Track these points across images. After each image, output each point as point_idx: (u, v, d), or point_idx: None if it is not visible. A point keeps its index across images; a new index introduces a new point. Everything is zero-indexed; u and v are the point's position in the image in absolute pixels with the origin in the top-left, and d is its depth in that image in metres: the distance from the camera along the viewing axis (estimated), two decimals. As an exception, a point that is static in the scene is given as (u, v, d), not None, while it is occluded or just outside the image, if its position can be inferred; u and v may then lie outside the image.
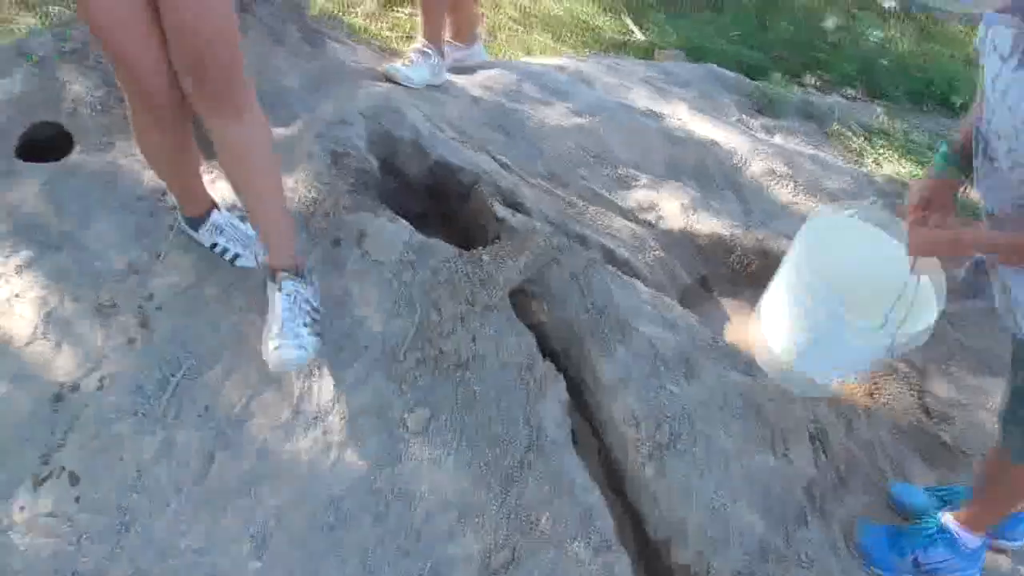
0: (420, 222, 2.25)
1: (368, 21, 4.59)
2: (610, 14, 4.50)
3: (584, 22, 4.42)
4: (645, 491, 1.67)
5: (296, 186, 2.07)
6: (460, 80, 2.77)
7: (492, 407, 1.69)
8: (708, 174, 2.77)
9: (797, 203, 2.74)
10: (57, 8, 4.47)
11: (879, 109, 3.28)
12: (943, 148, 1.49)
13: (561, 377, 1.76)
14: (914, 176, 2.93)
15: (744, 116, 3.14)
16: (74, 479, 1.67)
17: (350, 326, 1.83)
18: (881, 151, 2.99)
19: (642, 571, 1.69)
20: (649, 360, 1.80)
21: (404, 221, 2.00)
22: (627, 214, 2.52)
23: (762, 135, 3.01)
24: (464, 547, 1.56)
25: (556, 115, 2.78)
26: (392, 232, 1.95)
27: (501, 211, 2.03)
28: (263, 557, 1.56)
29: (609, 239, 2.31)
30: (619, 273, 2.04)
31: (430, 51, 2.62)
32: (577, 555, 1.56)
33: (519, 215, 2.05)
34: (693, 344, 1.92)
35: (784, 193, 2.76)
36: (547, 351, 1.90)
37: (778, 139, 3.03)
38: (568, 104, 2.86)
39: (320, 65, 2.37)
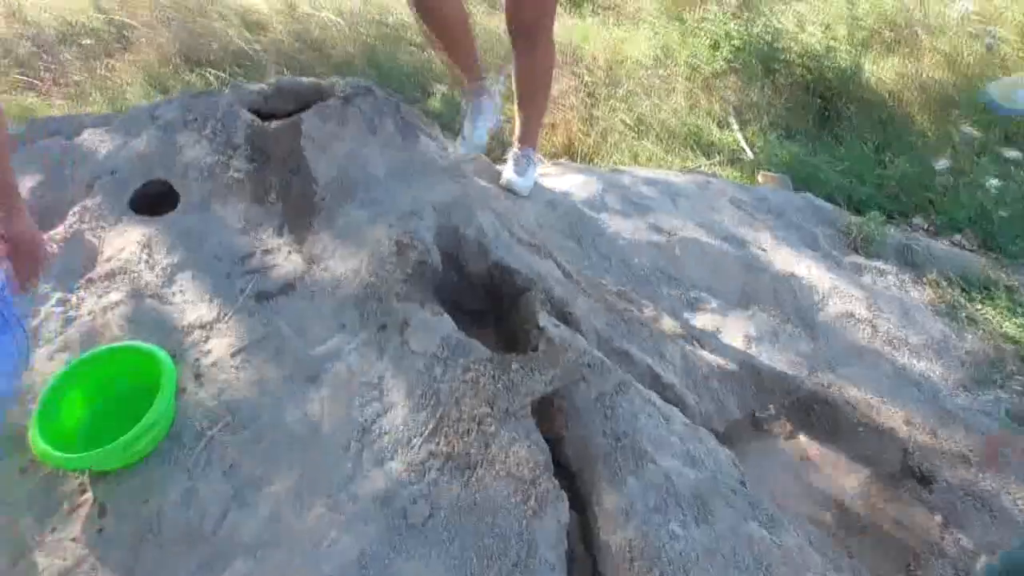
0: (475, 319, 2.36)
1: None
2: (725, 130, 4.57)
3: (696, 135, 4.51)
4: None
5: (359, 268, 2.23)
6: (543, 182, 2.91)
7: (489, 516, 1.74)
8: (782, 307, 2.75)
9: (873, 352, 2.67)
10: (213, 73, 5.00)
11: (987, 262, 3.16)
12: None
13: (564, 497, 1.79)
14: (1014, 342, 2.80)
15: (835, 252, 3.10)
16: (102, 511, 1.84)
17: (377, 411, 1.94)
18: (979, 308, 2.88)
19: None
20: (660, 495, 1.80)
21: (447, 317, 2.11)
22: (687, 338, 2.54)
23: (850, 274, 2.96)
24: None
25: (634, 228, 2.86)
26: (433, 326, 2.06)
27: (543, 320, 2.10)
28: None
29: (658, 360, 2.34)
30: (652, 399, 2.06)
31: (531, 155, 2.85)
32: None
33: (561, 327, 2.12)
34: (715, 485, 1.91)
35: (860, 339, 2.69)
36: (564, 467, 1.94)
37: (866, 280, 2.97)
38: (649, 219, 2.93)
39: (408, 157, 2.56)
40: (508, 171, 2.86)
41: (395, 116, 2.65)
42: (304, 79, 2.87)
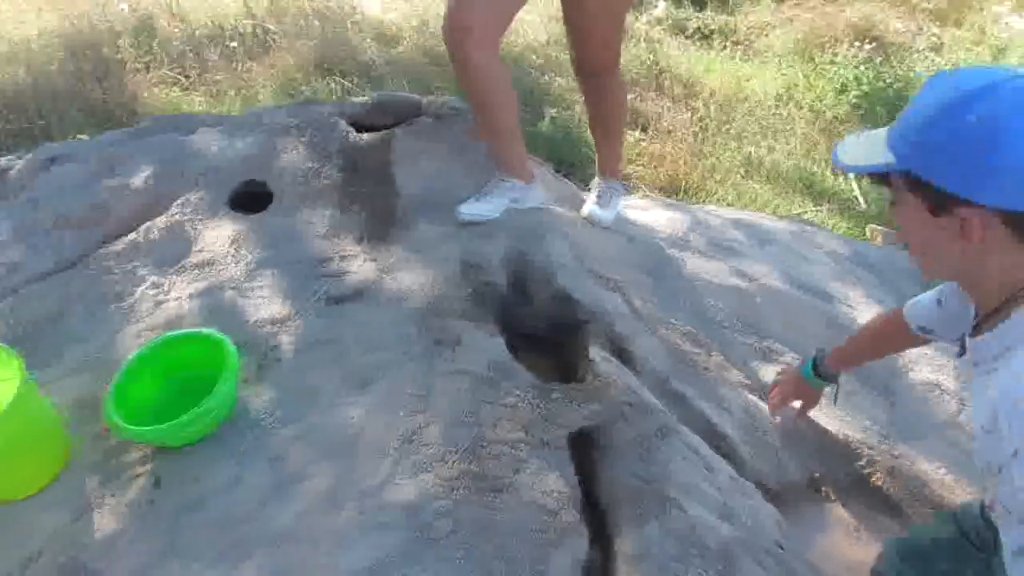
0: (535, 345, 2.40)
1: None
2: (840, 178, 4.42)
3: (808, 180, 4.38)
4: None
5: (425, 283, 2.31)
6: (627, 215, 2.91)
7: (507, 540, 1.76)
8: (861, 370, 2.64)
9: (955, 427, 2.52)
10: (341, 82, 5.26)
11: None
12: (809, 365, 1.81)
13: (585, 534, 1.79)
14: None
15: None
16: (157, 483, 1.99)
17: (419, 423, 2.01)
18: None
19: None
20: (682, 544, 1.78)
21: (500, 340, 2.16)
22: (753, 389, 2.48)
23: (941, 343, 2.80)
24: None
25: (715, 271, 2.82)
26: (485, 347, 2.12)
27: (594, 353, 2.11)
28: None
29: (715, 409, 2.30)
30: (697, 448, 2.03)
31: (616, 187, 2.84)
32: None
33: (613, 362, 2.13)
34: (747, 543, 1.86)
35: (942, 412, 2.55)
36: (595, 502, 1.94)
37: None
38: (732, 262, 2.88)
39: (491, 179, 2.63)
40: (591, 203, 2.81)
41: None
42: (401, 95, 3.00)
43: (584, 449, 1.99)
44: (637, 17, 6.74)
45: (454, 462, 1.92)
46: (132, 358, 2.13)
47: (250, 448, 2.03)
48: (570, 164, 4.60)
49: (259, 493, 1.94)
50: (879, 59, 5.37)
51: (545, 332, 2.38)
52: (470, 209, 2.49)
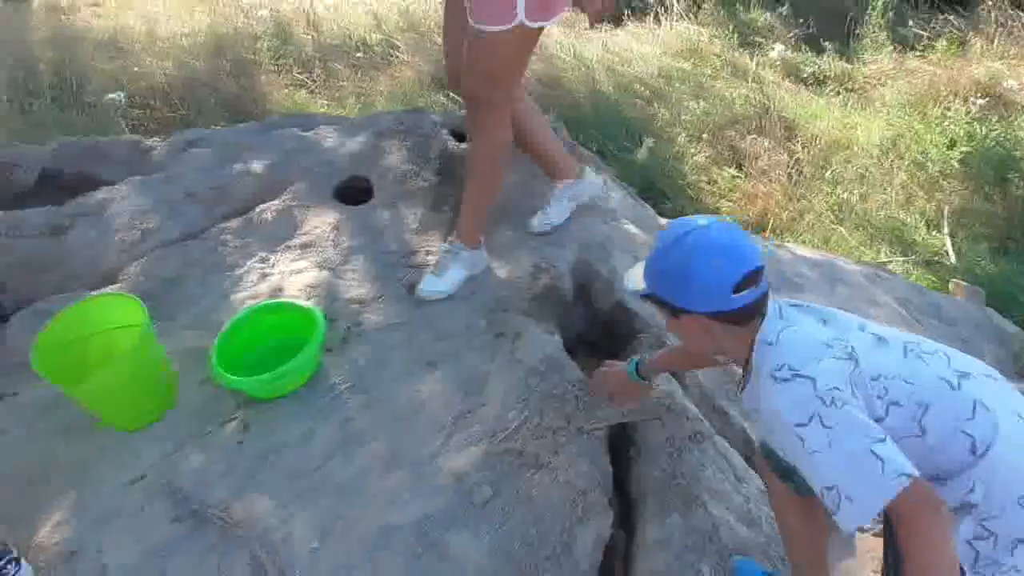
0: (594, 351, 2.61)
1: (697, 174, 5.08)
2: (934, 231, 4.44)
3: (899, 231, 4.42)
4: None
5: (496, 281, 2.57)
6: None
7: (541, 512, 1.98)
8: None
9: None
10: (453, 98, 5.62)
11: None
12: (633, 365, 2.09)
13: (610, 515, 1.98)
14: None
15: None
16: (245, 429, 2.30)
17: (475, 404, 2.26)
18: None
19: None
20: (700, 538, 1.95)
21: (557, 338, 2.39)
22: (798, 416, 2.60)
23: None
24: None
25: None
26: (541, 342, 2.35)
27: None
28: (316, 550, 2.01)
29: (754, 428, 2.44)
30: (730, 458, 2.19)
31: (459, 252, 2.60)
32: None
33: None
34: (764, 548, 2.01)
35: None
36: (625, 494, 2.13)
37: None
38: (798, 297, 3.01)
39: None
40: (424, 277, 2.60)
41: (571, 155, 2.98)
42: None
43: (623, 446, 2.19)
44: (752, 57, 6.88)
45: (501, 440, 2.16)
46: (236, 318, 2.47)
47: (326, 408, 2.32)
48: (662, 192, 4.79)
49: (328, 448, 2.23)
50: (995, 117, 5.33)
51: (602, 339, 2.59)
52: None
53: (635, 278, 1.57)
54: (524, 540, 1.96)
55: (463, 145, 3.08)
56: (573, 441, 2.10)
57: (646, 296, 1.55)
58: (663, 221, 3.28)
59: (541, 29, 2.29)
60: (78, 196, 3.11)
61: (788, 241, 4.22)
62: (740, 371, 1.55)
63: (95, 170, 3.35)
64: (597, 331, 2.62)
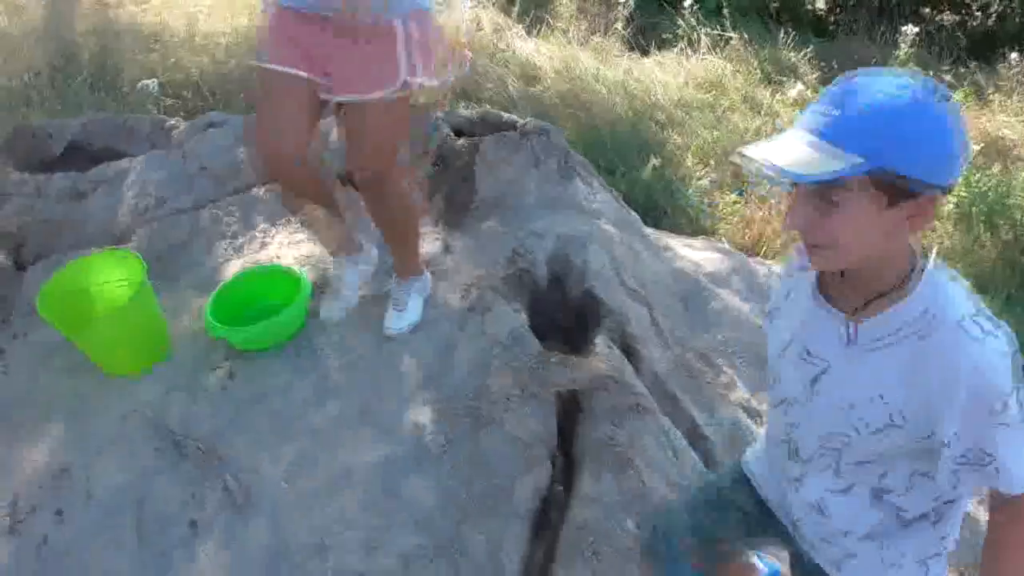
0: (567, 339, 2.82)
1: (700, 197, 5.31)
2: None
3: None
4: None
5: (476, 263, 2.81)
6: (675, 245, 3.32)
7: (487, 463, 2.20)
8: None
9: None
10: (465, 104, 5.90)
11: None
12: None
13: (549, 468, 2.20)
14: None
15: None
16: (231, 376, 2.55)
17: (441, 369, 2.49)
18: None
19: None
20: (630, 498, 2.15)
21: (523, 315, 2.62)
22: (750, 412, 2.80)
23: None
24: (400, 545, 2.08)
25: (747, 310, 3.17)
26: (507, 318, 2.58)
27: (599, 338, 2.54)
28: (284, 488, 2.24)
29: (706, 416, 2.64)
30: (672, 436, 2.40)
31: (412, 285, 2.69)
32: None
33: (613, 349, 2.54)
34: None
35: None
36: (569, 454, 2.35)
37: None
38: (766, 306, 3.22)
39: (559, 193, 3.12)
40: (388, 315, 2.65)
41: (560, 158, 3.24)
42: (505, 114, 3.55)
43: (574, 411, 2.41)
44: (773, 95, 7.12)
45: (460, 400, 2.39)
46: (231, 279, 2.73)
47: (306, 364, 2.57)
48: (663, 211, 5.02)
49: (305, 398, 2.47)
50: (996, 167, 5.52)
51: (570, 324, 2.81)
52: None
53: (792, 155, 1.04)
54: (470, 486, 2.18)
55: (461, 140, 3.35)
56: (525, 403, 2.33)
57: (827, 180, 1.03)
58: (647, 230, 3.51)
59: (421, 88, 2.18)
60: (100, 165, 3.42)
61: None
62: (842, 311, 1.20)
63: (119, 144, 3.66)
64: (569, 319, 2.85)
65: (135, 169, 3.36)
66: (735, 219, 5.04)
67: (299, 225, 3.05)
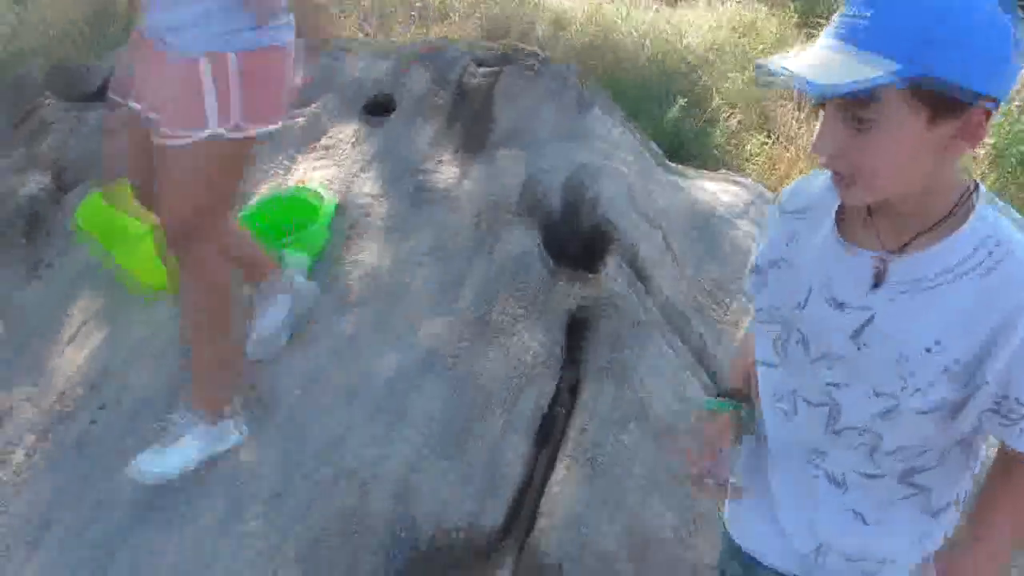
0: (579, 264, 2.92)
1: (726, 138, 5.32)
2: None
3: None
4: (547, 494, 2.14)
5: (492, 190, 2.91)
6: (692, 177, 3.38)
7: (495, 372, 2.32)
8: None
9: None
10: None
11: None
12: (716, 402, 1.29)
13: (552, 385, 2.32)
14: None
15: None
16: (255, 293, 2.69)
17: (456, 294, 2.60)
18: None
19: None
20: (630, 410, 2.26)
21: (534, 234, 2.72)
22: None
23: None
24: (408, 448, 2.21)
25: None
26: (519, 241, 2.69)
27: (610, 260, 2.63)
28: (306, 392, 2.38)
29: (713, 339, 2.72)
30: (677, 353, 2.49)
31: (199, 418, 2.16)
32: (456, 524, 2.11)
33: (623, 270, 2.62)
34: (691, 426, 2.31)
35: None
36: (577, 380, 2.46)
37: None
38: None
39: (575, 124, 3.19)
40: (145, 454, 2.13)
41: (579, 89, 3.30)
42: (528, 47, 3.61)
43: (580, 329, 2.52)
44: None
45: (472, 319, 2.50)
46: (259, 200, 2.87)
47: (329, 279, 2.70)
48: (689, 152, 5.04)
49: (326, 310, 2.60)
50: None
51: (582, 252, 2.90)
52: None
53: (820, 65, 0.88)
54: (478, 393, 2.30)
55: (482, 70, 3.42)
56: (533, 320, 2.44)
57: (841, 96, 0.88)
58: (665, 163, 3.56)
59: (250, 140, 1.89)
60: (136, 96, 3.56)
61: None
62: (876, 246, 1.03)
63: (154, 77, 3.80)
64: (581, 247, 2.94)
65: (168, 100, 3.49)
66: (762, 159, 5.05)
67: (324, 152, 3.16)
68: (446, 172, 3.05)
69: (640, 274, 2.74)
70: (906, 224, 0.99)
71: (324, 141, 3.20)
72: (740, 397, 1.28)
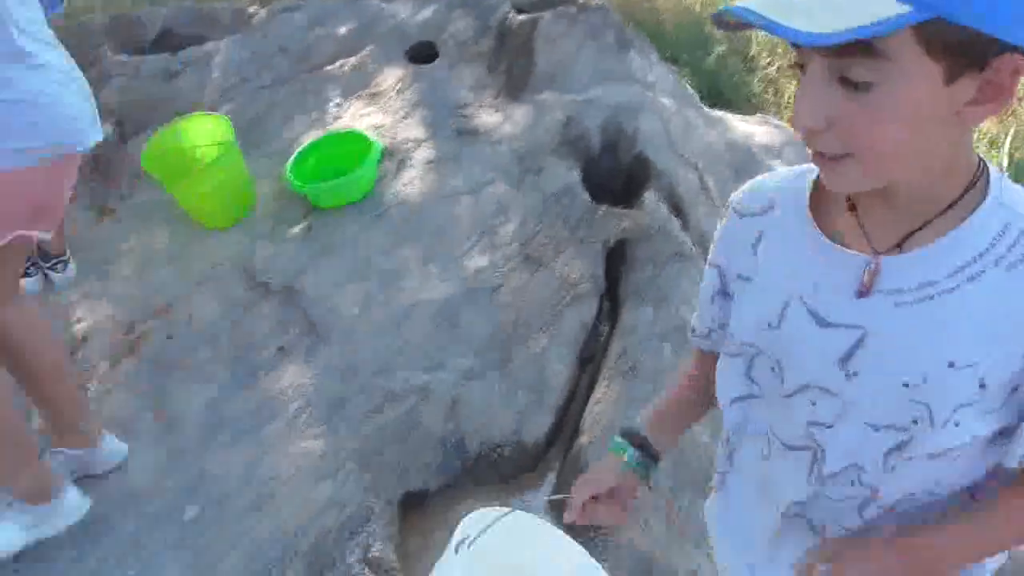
0: (618, 201, 3.03)
1: (764, 85, 5.35)
2: (994, 150, 4.61)
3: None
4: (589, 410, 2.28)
5: (534, 130, 3.02)
6: (729, 118, 3.46)
7: (538, 296, 2.46)
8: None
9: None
10: None
11: None
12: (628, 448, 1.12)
13: (594, 304, 2.45)
14: None
15: None
16: (310, 229, 2.85)
17: (500, 221, 2.74)
18: None
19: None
20: (667, 328, 2.38)
21: (575, 173, 2.84)
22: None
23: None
24: (457, 365, 2.36)
25: (797, 180, 3.30)
26: (560, 176, 2.81)
27: (648, 194, 2.74)
28: (361, 317, 2.54)
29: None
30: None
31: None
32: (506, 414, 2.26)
33: (661, 205, 2.73)
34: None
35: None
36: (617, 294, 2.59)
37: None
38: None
39: (614, 65, 3.28)
40: None
41: (618, 32, 3.38)
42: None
43: (619, 257, 2.64)
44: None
45: (517, 248, 2.64)
46: (310, 142, 3.02)
47: (378, 218, 2.85)
48: (727, 100, 5.09)
49: (377, 246, 2.76)
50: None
51: (621, 188, 3.01)
52: None
53: (812, 7, 0.63)
54: (520, 316, 2.44)
55: (522, 16, 3.52)
56: (573, 249, 2.56)
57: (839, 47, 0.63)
58: (702, 105, 3.64)
59: None
60: (188, 48, 3.72)
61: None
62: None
63: (204, 30, 3.95)
64: (620, 183, 3.05)
65: (220, 51, 3.65)
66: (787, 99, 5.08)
67: (369, 98, 3.30)
68: (488, 115, 3.17)
69: (677, 209, 2.85)
70: (903, 215, 0.79)
71: (371, 88, 3.33)
72: (651, 452, 1.11)
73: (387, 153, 3.03)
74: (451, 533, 1.28)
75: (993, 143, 4.75)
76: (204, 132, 2.97)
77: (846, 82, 0.68)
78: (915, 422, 0.81)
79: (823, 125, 0.70)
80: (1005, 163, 4.48)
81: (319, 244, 2.80)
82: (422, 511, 2.10)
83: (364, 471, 2.08)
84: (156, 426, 2.35)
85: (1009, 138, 4.68)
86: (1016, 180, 0.80)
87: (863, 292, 0.80)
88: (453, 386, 2.28)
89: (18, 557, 1.94)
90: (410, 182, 2.95)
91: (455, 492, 2.14)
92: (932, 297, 0.78)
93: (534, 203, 2.76)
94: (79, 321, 2.67)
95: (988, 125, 4.84)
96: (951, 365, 0.77)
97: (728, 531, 1.13)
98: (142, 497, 2.14)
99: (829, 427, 0.87)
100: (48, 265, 2.76)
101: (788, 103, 5.14)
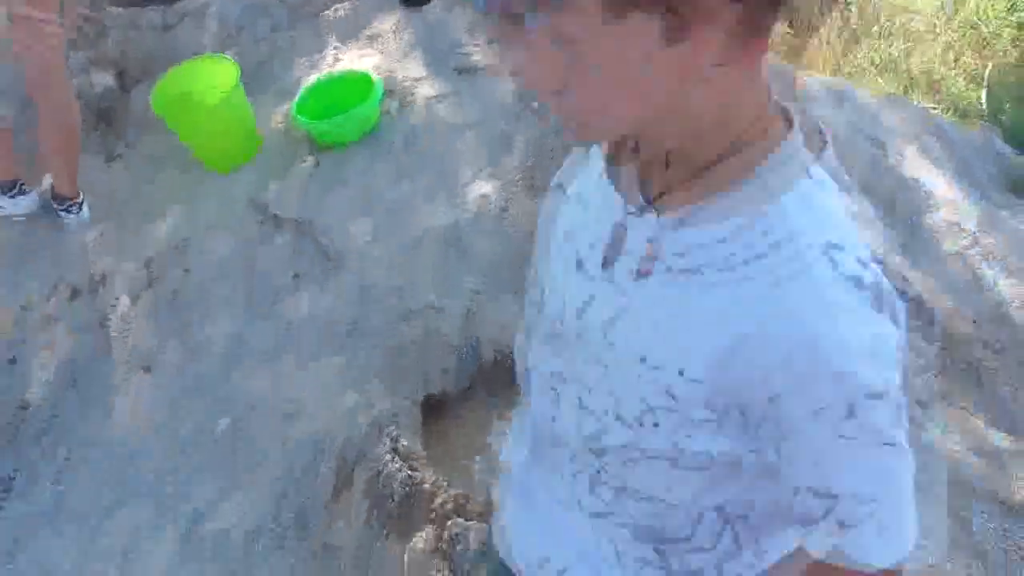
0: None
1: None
2: (972, 85, 4.74)
3: (937, 82, 4.75)
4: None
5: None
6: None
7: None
8: (893, 210, 3.19)
9: (961, 260, 3.03)
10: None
11: None
12: None
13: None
14: None
15: (983, 183, 3.40)
16: (317, 165, 2.96)
17: (502, 151, 2.86)
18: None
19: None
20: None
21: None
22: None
23: (978, 198, 3.27)
24: (467, 285, 2.49)
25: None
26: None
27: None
28: (373, 244, 2.66)
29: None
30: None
31: None
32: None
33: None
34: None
35: (954, 244, 3.05)
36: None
37: (998, 213, 3.26)
38: (796, 107, 3.47)
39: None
40: None
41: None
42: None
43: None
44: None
45: (519, 176, 2.76)
46: (314, 82, 3.11)
47: (381, 152, 2.96)
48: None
49: (384, 179, 2.87)
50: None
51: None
52: None
53: None
54: (529, 236, 2.56)
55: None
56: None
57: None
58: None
59: None
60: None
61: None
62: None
63: (199, -18, 4.01)
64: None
65: (216, 1, 3.71)
66: (783, 49, 5.19)
67: (368, 41, 3.39)
68: (484, 56, 3.27)
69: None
70: (674, 169, 0.69)
71: (368, 31, 3.42)
72: None
73: (389, 92, 3.13)
74: (468, 437, 1.40)
75: (974, 78, 4.89)
76: (211, 74, 3.05)
77: (547, 31, 0.59)
78: (606, 412, 0.75)
79: (530, 82, 0.66)
80: (984, 94, 4.62)
81: (328, 179, 2.90)
82: (441, 415, 2.24)
83: (388, 378, 2.21)
84: (181, 356, 2.48)
85: (987, 74, 4.82)
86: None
87: (612, 255, 0.73)
88: (467, 301, 2.41)
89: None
90: (413, 118, 3.05)
91: (470, 399, 2.29)
92: (682, 271, 0.67)
93: (535, 135, 2.87)
94: (96, 261, 2.78)
95: (969, 60, 4.98)
96: (643, 360, 0.69)
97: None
98: (172, 423, 2.28)
99: (563, 383, 0.82)
100: (63, 208, 2.85)
101: (771, 46, 5.25)
